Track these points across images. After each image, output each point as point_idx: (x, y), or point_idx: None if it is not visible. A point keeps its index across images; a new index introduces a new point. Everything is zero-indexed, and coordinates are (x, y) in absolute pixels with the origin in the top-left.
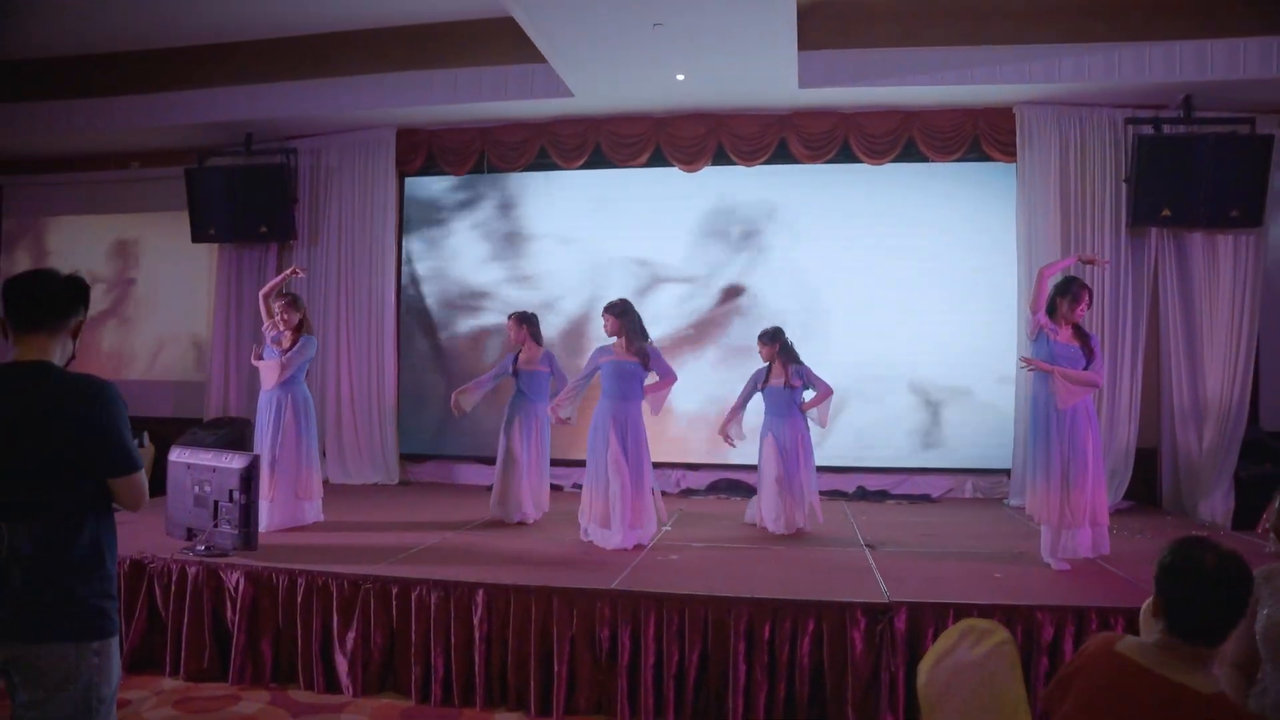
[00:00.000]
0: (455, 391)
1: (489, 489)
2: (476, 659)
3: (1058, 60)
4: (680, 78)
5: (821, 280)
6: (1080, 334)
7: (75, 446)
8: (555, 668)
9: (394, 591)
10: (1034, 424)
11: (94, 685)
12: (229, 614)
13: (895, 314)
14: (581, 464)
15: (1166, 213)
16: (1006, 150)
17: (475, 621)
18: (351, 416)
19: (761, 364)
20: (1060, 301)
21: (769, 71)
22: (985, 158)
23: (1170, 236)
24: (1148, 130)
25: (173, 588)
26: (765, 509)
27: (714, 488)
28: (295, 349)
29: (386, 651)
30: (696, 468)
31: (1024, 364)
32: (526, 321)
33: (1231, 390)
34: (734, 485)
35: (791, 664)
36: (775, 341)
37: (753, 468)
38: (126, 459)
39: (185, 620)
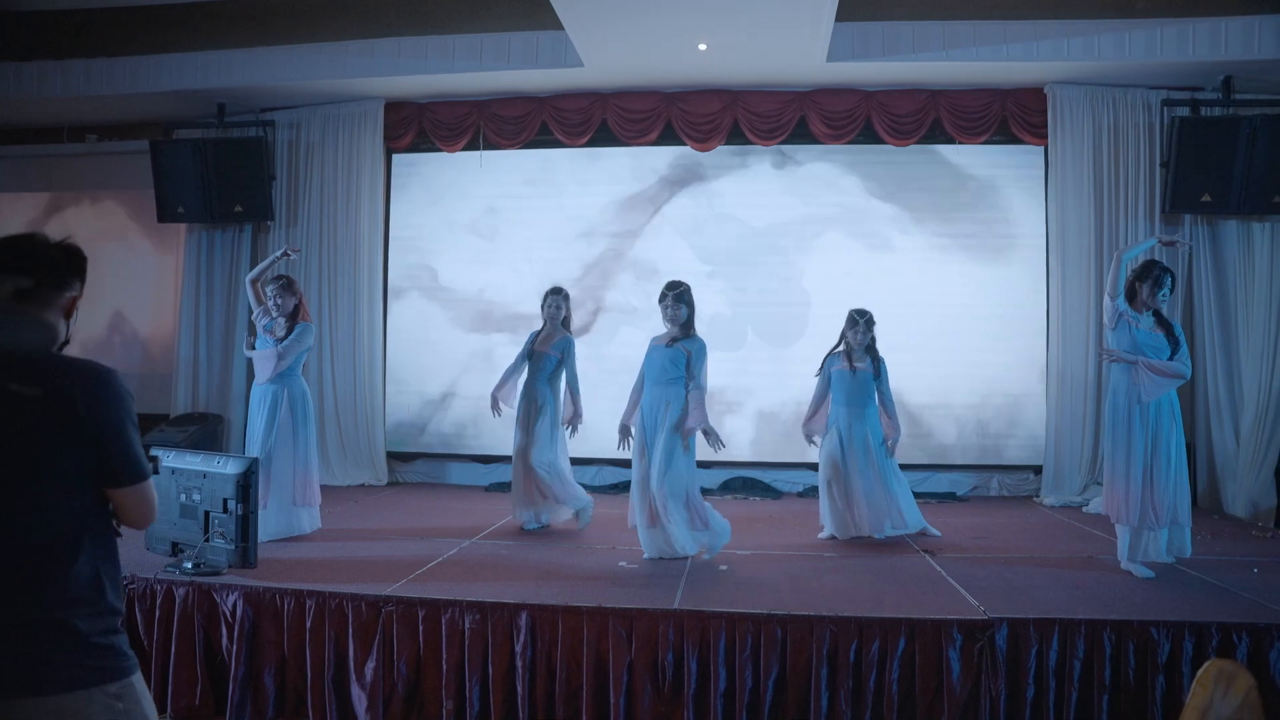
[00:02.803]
0: (492, 390)
1: (485, 489)
2: (520, 690)
3: (1097, 37)
4: (702, 47)
5: (838, 269)
6: (1162, 322)
7: (74, 449)
8: (611, 698)
9: (421, 614)
10: (1113, 419)
11: None
12: (224, 642)
13: (916, 305)
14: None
15: (1207, 198)
16: (1037, 132)
17: (518, 648)
18: (336, 413)
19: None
20: (1140, 287)
21: (799, 42)
22: (1014, 140)
23: (1204, 224)
24: (1184, 112)
25: (157, 612)
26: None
27: (727, 487)
28: (292, 337)
29: (412, 683)
30: (708, 465)
31: (1105, 355)
32: (567, 300)
33: (1270, 384)
34: (749, 484)
35: (880, 689)
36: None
37: (765, 465)
38: (136, 464)
39: (173, 650)
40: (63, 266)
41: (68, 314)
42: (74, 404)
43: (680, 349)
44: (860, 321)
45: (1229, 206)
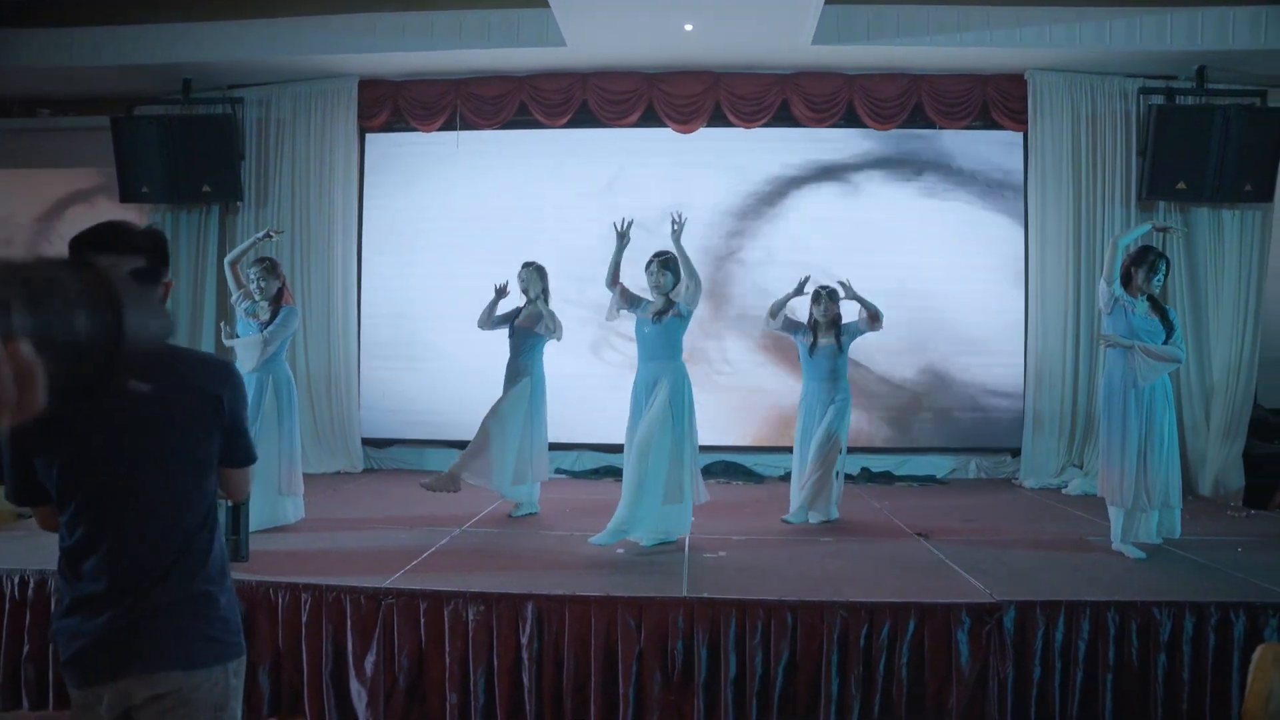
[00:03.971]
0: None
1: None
2: (526, 682)
3: (1079, 24)
4: (689, 27)
5: (815, 250)
6: (1157, 307)
7: (216, 437)
8: (620, 688)
9: (423, 606)
10: (1108, 402)
11: (235, 715)
12: None
13: (895, 286)
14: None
15: (1182, 186)
16: (1017, 118)
17: (524, 639)
18: (310, 399)
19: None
20: (1135, 271)
21: (786, 23)
22: (995, 125)
23: (1178, 210)
24: (1160, 101)
25: None
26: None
27: (708, 471)
28: (278, 321)
29: (414, 677)
30: None
31: (1102, 339)
32: (543, 274)
33: (1238, 369)
34: (730, 468)
35: (890, 673)
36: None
37: (746, 449)
38: (250, 448)
39: None
40: (164, 249)
41: (164, 298)
42: (220, 399)
43: (669, 322)
44: (823, 295)
45: (1203, 194)
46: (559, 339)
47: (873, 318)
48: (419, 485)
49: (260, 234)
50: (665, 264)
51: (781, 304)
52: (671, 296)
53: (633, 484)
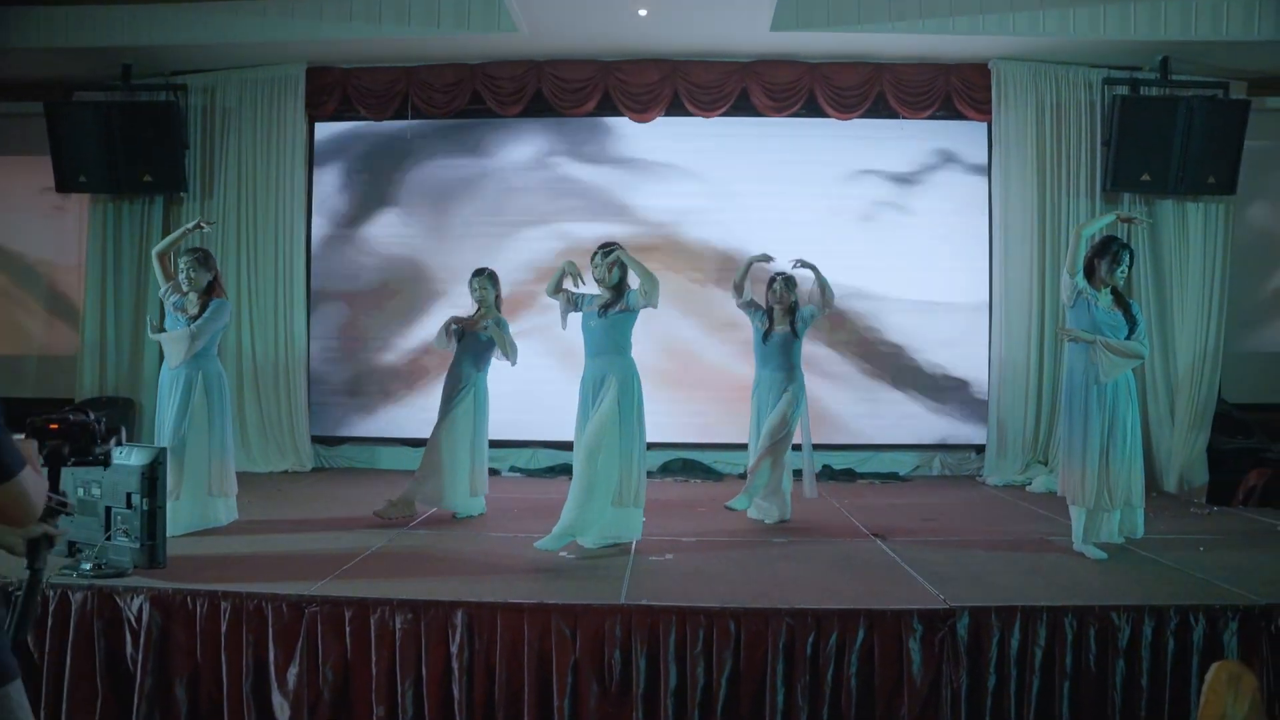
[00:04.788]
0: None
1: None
2: (457, 694)
3: (1042, 12)
4: (643, 13)
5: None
6: (1120, 300)
7: None
8: (555, 701)
9: (348, 615)
10: (1069, 399)
11: None
12: (129, 651)
13: (856, 279)
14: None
15: (1146, 177)
16: (980, 108)
17: (454, 649)
18: (257, 396)
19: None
20: (1098, 263)
21: (743, 9)
22: (958, 115)
23: (1142, 203)
24: (1124, 91)
25: (50, 620)
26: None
27: (667, 469)
28: (206, 315)
29: (340, 690)
30: (650, 447)
31: (1063, 334)
32: (495, 281)
33: (1203, 363)
34: (689, 465)
35: (838, 683)
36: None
37: (708, 446)
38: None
39: (69, 662)
40: None
41: None
42: None
43: (615, 316)
44: (778, 281)
45: (1167, 185)
46: (513, 364)
47: (823, 291)
48: (372, 513)
49: (191, 224)
50: (609, 254)
51: (743, 274)
52: (621, 289)
53: (582, 486)
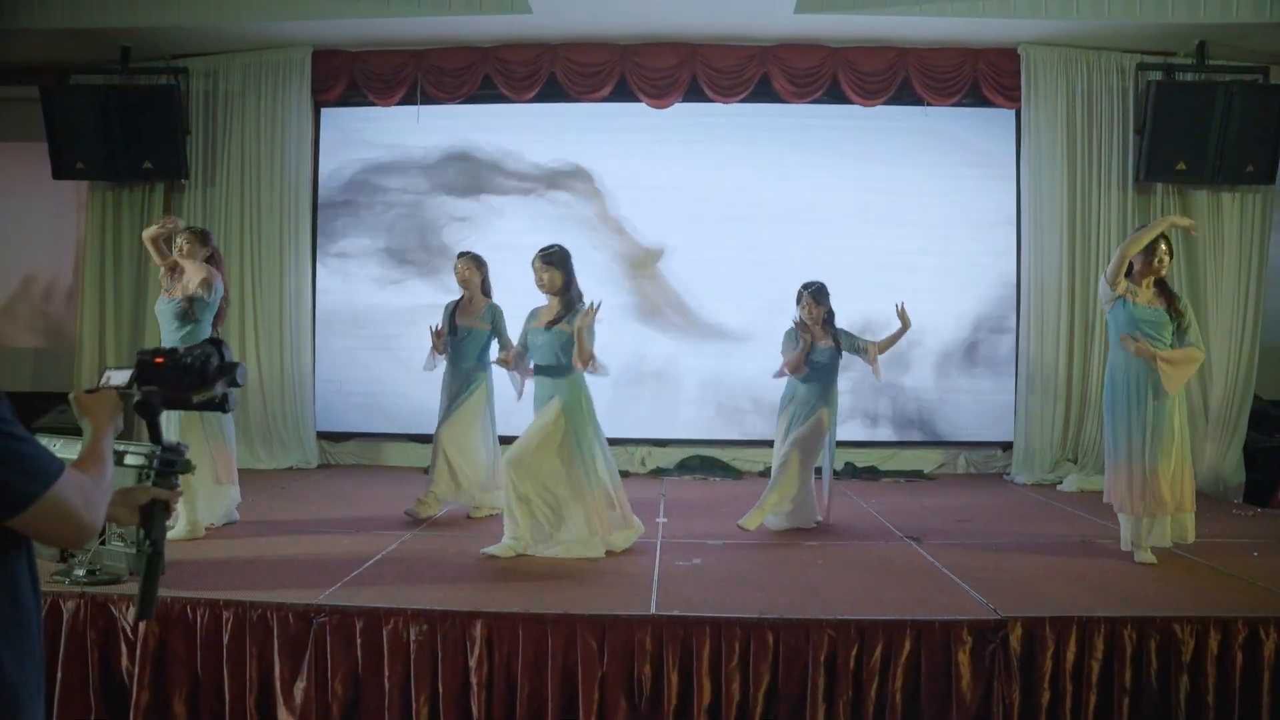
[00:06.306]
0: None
1: (424, 471)
2: (475, 710)
3: None
4: None
5: (798, 236)
6: (1165, 292)
7: None
8: (581, 717)
9: (359, 625)
10: (1112, 402)
11: None
12: (124, 663)
13: (880, 274)
14: None
15: (1181, 166)
16: (1009, 95)
17: (472, 662)
18: (261, 391)
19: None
20: (1136, 260)
21: None
22: (985, 103)
23: (1175, 193)
24: (1158, 77)
25: (41, 629)
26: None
27: (684, 467)
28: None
29: (350, 705)
30: (664, 444)
31: (1124, 345)
32: (481, 264)
33: (1239, 359)
34: (708, 463)
35: (882, 698)
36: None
37: (722, 443)
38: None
39: (59, 674)
40: None
41: None
42: None
43: (561, 330)
44: (805, 294)
45: (1204, 175)
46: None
47: (875, 359)
48: (404, 512)
49: (161, 223)
50: (548, 259)
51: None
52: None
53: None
